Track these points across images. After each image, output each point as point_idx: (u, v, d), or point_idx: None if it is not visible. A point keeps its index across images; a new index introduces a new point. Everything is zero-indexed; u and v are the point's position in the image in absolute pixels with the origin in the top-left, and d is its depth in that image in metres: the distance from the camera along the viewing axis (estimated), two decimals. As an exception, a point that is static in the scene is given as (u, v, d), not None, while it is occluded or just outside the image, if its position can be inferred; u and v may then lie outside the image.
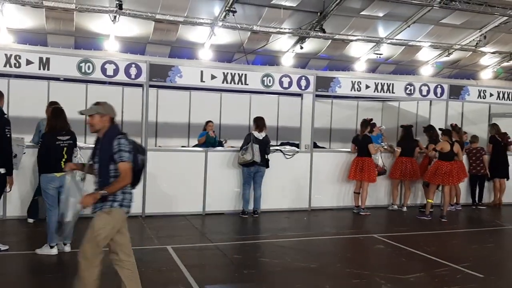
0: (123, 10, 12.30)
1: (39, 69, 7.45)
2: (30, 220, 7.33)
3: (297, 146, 9.68)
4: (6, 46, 10.94)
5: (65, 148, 5.91)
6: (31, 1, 11.84)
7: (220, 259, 6.24)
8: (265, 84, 8.85)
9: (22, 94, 10.55)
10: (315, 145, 10.22)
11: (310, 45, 15.29)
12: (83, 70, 7.74)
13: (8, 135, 5.86)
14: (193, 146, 10.53)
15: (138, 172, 4.10)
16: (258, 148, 8.38)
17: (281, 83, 8.95)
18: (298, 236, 7.50)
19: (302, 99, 9.59)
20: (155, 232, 7.19)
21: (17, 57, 7.31)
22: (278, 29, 14.29)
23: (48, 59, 7.45)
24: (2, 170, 5.79)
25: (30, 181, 7.46)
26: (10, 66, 7.31)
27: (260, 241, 7.33)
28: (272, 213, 8.86)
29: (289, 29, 14.40)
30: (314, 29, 14.28)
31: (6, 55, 7.27)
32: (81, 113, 4.15)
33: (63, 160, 5.87)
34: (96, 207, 3.95)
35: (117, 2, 12.03)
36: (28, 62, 7.36)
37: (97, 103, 4.08)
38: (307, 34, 14.53)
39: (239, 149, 8.60)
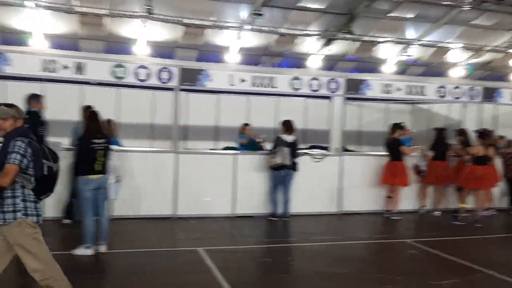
0: (152, 15, 12.49)
1: (75, 73, 7.64)
2: (66, 221, 7.51)
3: (326, 149, 9.64)
4: (41, 51, 11.26)
5: (100, 151, 6.03)
6: (64, 7, 12.15)
7: (251, 262, 6.27)
8: (294, 87, 8.86)
9: (56, 98, 10.82)
10: (344, 149, 10.15)
11: (337, 47, 15.18)
12: (116, 75, 7.90)
13: (40, 134, 6.03)
14: (224, 148, 10.60)
15: (46, 179, 3.77)
16: (288, 151, 8.39)
17: (310, 85, 8.94)
18: (328, 241, 7.46)
19: (331, 101, 9.55)
20: (187, 234, 7.27)
21: (53, 62, 7.52)
22: (305, 32, 14.26)
23: (83, 64, 7.64)
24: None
25: (66, 183, 7.65)
26: (47, 71, 7.52)
27: (290, 245, 7.33)
28: (302, 216, 8.83)
29: (316, 31, 14.36)
30: (342, 31, 14.17)
31: (42, 60, 7.49)
32: None
33: (99, 162, 6.00)
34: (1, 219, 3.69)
35: (147, 7, 12.22)
36: (64, 67, 7.57)
37: (10, 105, 3.80)
38: (335, 36, 14.45)
39: (268, 152, 8.62)
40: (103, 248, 6.08)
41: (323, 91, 9.07)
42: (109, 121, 9.58)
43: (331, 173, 9.13)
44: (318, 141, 11.77)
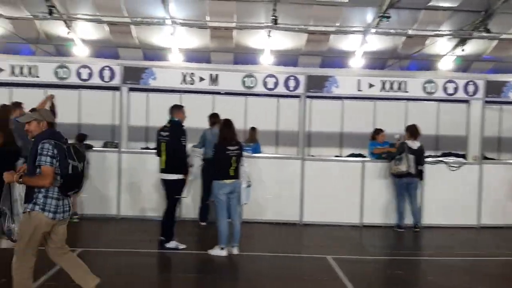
0: (277, 25, 12.82)
1: (209, 85, 8.16)
2: (203, 223, 8.00)
3: (463, 157, 8.95)
4: (178, 65, 12.23)
5: (234, 158, 6.34)
6: (198, 23, 13.07)
7: (381, 273, 6.07)
8: (427, 90, 8.40)
9: (192, 108, 11.63)
10: (484, 156, 9.32)
11: (472, 47, 14.08)
12: (246, 84, 8.26)
13: (184, 144, 6.50)
14: (348, 156, 10.41)
15: (71, 178, 4.02)
16: (413, 158, 7.97)
17: (445, 89, 8.40)
18: (466, 256, 6.91)
19: (468, 105, 8.85)
20: (314, 241, 7.29)
21: (191, 75, 8.13)
22: (436, 32, 13.47)
23: (217, 75, 8.14)
24: (180, 176, 6.45)
25: (200, 186, 8.18)
26: (185, 83, 8.15)
27: (422, 258, 6.95)
28: (435, 229, 8.33)
29: (448, 31, 13.47)
30: (477, 29, 13.10)
31: (182, 73, 8.15)
32: (19, 121, 4.29)
33: (232, 168, 6.31)
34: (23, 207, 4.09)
35: (273, 17, 12.58)
36: (201, 79, 8.14)
37: (33, 109, 4.20)
38: (470, 35, 13.41)
39: (392, 158, 8.25)
40: (235, 250, 6.36)
41: (460, 95, 8.44)
42: (253, 128, 10.06)
43: (469, 183, 8.46)
44: (452, 148, 10.98)
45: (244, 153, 7.27)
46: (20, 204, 4.50)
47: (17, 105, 7.65)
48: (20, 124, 6.91)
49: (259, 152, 9.74)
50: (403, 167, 7.97)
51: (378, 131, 9.06)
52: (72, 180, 4.05)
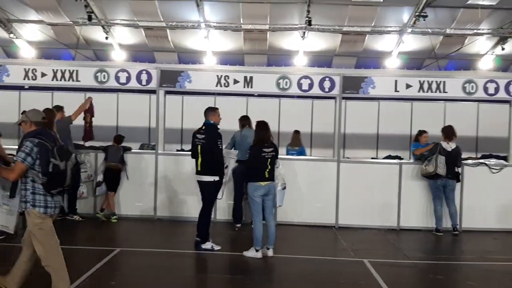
0: (311, 26, 12.76)
1: (244, 87, 8.21)
2: (237, 225, 8.03)
3: (504, 159, 8.65)
4: (211, 68, 12.37)
5: (269, 159, 6.33)
6: (232, 26, 13.17)
7: (421, 278, 5.93)
8: (467, 91, 8.16)
9: (225, 109, 11.72)
10: (527, 158, 8.97)
11: (513, 46, 13.64)
12: (280, 86, 8.25)
13: (220, 147, 6.55)
14: (385, 158, 10.21)
15: (52, 176, 4.12)
16: (443, 160, 7.77)
17: (485, 89, 8.15)
18: (508, 260, 6.67)
19: (510, 106, 8.55)
20: (350, 245, 7.19)
21: (226, 77, 8.19)
22: (474, 31, 13.11)
23: (251, 78, 8.17)
24: (216, 178, 6.50)
25: (234, 188, 8.20)
26: (220, 86, 8.23)
27: (463, 263, 6.73)
28: (476, 232, 8.07)
29: (488, 29, 13.08)
30: (519, 27, 12.68)
31: (217, 76, 8.23)
32: (16, 124, 4.56)
33: (267, 170, 6.30)
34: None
35: (307, 18, 12.53)
36: (235, 81, 8.19)
37: (23, 112, 4.45)
38: (510, 33, 12.98)
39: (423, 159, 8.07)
40: (270, 252, 6.35)
41: (501, 95, 8.16)
42: (297, 131, 10.02)
43: (511, 186, 8.15)
44: (493, 150, 10.61)
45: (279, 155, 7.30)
46: (1, 195, 5.12)
47: (59, 108, 7.94)
48: (60, 126, 7.20)
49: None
50: (430, 168, 7.81)
51: (421, 132, 8.87)
52: (53, 178, 4.16)
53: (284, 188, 6.61)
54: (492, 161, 8.41)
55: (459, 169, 7.98)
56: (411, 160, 8.90)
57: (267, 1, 12.36)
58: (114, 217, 8.11)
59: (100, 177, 8.17)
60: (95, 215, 8.20)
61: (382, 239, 7.67)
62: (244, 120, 8.05)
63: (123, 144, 8.49)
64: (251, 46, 14.22)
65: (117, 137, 8.44)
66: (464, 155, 8.27)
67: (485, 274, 6.04)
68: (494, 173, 8.14)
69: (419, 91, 8.15)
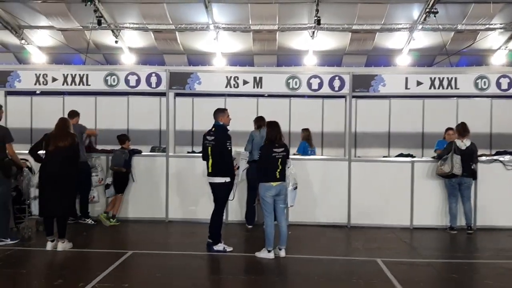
0: (321, 25, 12.71)
1: (253, 87, 8.19)
2: (249, 226, 8.02)
3: (520, 155, 8.51)
4: (222, 69, 12.38)
5: (280, 159, 6.30)
6: (240, 27, 13.17)
7: (435, 276, 5.84)
8: (479, 87, 8.04)
9: (236, 111, 11.71)
10: (542, 154, 8.82)
11: (527, 40, 13.44)
12: (290, 86, 8.22)
13: (229, 148, 6.53)
14: (397, 156, 10.10)
15: None
16: (459, 159, 7.66)
17: (498, 84, 8.02)
18: (525, 258, 6.55)
19: (524, 101, 8.43)
20: (363, 244, 7.13)
21: (236, 78, 8.19)
22: (487, 26, 12.95)
23: (261, 78, 8.15)
24: (227, 179, 6.49)
25: (246, 189, 8.19)
26: (230, 87, 8.22)
27: (479, 261, 6.63)
28: (491, 230, 7.96)
29: (500, 24, 12.91)
30: (532, 21, 12.50)
31: (227, 77, 8.22)
32: None
33: (278, 170, 6.27)
34: None
35: (316, 18, 12.49)
36: (245, 82, 8.18)
37: None
38: (523, 27, 12.81)
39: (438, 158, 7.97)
40: (282, 253, 6.31)
41: (515, 90, 8.04)
42: (306, 130, 9.90)
43: (526, 183, 8.03)
44: (507, 146, 10.45)
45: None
46: None
47: (76, 114, 8.09)
48: (76, 130, 7.28)
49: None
50: (446, 168, 7.71)
51: (447, 130, 8.63)
52: None
53: (296, 188, 6.56)
54: (507, 158, 8.28)
55: (476, 166, 7.87)
56: (423, 158, 8.80)
57: (276, 1, 12.34)
58: (114, 220, 8.13)
59: (109, 180, 8.25)
60: (98, 217, 8.23)
61: (395, 238, 7.58)
62: (260, 121, 8.01)
63: (133, 146, 8.53)
64: (261, 47, 14.22)
65: (119, 137, 8.43)
66: (478, 152, 8.15)
67: (501, 272, 5.93)
68: (508, 169, 8.02)
69: (430, 88, 8.06)
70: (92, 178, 8.30)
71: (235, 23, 13.24)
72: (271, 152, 6.28)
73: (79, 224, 7.99)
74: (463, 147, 7.76)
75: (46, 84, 8.51)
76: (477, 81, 8.05)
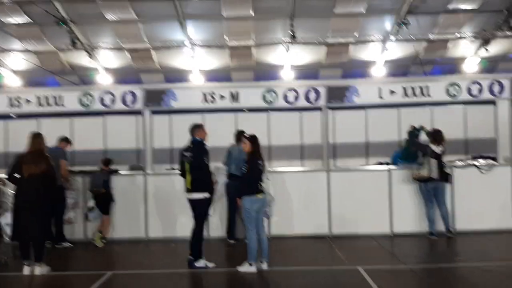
0: (295, 39, 12.85)
1: (230, 102, 8.22)
2: (231, 241, 7.95)
3: (494, 159, 8.68)
4: (199, 86, 12.36)
5: (261, 172, 6.31)
6: (216, 43, 13.24)
7: (418, 283, 5.87)
8: (451, 94, 8.22)
9: (214, 126, 11.70)
10: (515, 157, 9.00)
11: (497, 47, 13.80)
12: (267, 99, 8.27)
13: (207, 163, 6.50)
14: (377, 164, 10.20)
15: None
16: (436, 163, 7.78)
17: (469, 91, 8.21)
18: (505, 260, 6.62)
19: (495, 106, 8.62)
20: (345, 253, 7.13)
21: (212, 94, 8.21)
22: (456, 34, 13.27)
23: (237, 93, 8.19)
24: (207, 195, 6.45)
25: (226, 204, 8.14)
26: (206, 102, 8.23)
27: (460, 265, 6.68)
28: (470, 234, 8.05)
29: (470, 32, 13.26)
30: (500, 29, 12.85)
31: (202, 92, 8.25)
32: None
33: (261, 183, 6.28)
34: None
35: (290, 32, 12.64)
36: (221, 97, 8.20)
37: None
38: (492, 35, 13.16)
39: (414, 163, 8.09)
40: (264, 266, 6.27)
41: (485, 96, 8.24)
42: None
43: (502, 186, 8.18)
44: (483, 151, 10.65)
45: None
46: None
47: (67, 140, 8.13)
48: (55, 154, 7.16)
49: None
50: (424, 172, 7.82)
51: None
52: None
53: (271, 200, 6.61)
54: (481, 162, 8.44)
55: (450, 170, 7.98)
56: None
57: (251, 17, 12.47)
58: (103, 240, 8.00)
59: (91, 203, 8.11)
60: (91, 240, 8.08)
61: (376, 246, 7.62)
62: (241, 135, 8.01)
63: (112, 166, 8.43)
64: (238, 63, 14.28)
65: (104, 160, 8.38)
66: (454, 158, 8.32)
67: (483, 275, 5.98)
68: (483, 173, 8.17)
69: (403, 97, 8.21)
70: (68, 200, 8.15)
71: (211, 40, 13.31)
72: (257, 164, 6.29)
73: (57, 249, 7.82)
74: (438, 151, 7.89)
75: (20, 107, 8.39)
76: (449, 88, 8.22)
